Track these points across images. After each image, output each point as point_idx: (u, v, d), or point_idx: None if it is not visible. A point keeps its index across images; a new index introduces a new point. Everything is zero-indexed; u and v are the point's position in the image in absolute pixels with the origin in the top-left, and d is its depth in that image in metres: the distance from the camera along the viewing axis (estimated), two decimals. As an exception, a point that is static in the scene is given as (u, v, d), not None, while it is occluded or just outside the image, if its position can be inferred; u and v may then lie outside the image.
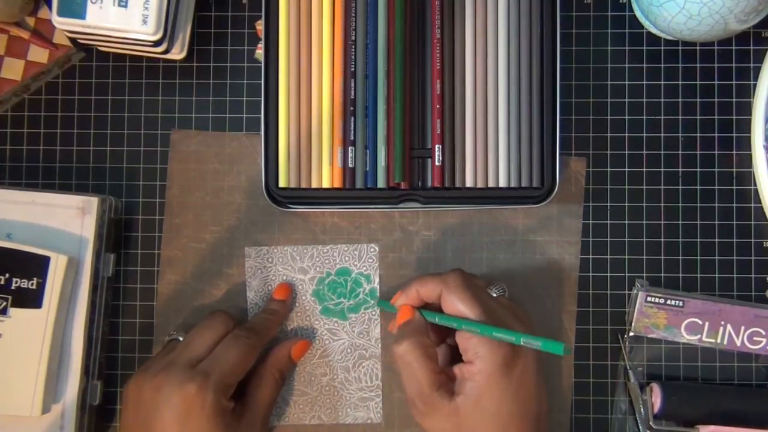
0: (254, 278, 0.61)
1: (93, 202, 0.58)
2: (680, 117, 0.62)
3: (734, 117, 0.62)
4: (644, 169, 0.62)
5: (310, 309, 0.61)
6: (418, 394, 0.52)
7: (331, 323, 0.61)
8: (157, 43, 0.57)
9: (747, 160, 0.61)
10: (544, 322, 0.61)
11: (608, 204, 0.62)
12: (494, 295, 0.56)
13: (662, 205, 0.62)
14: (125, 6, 0.56)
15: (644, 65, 0.62)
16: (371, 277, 0.61)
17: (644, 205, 0.62)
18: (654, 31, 0.61)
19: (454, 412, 0.51)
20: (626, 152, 0.62)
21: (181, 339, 0.57)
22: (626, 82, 0.62)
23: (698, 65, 0.62)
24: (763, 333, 0.60)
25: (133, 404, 0.53)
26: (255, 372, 0.58)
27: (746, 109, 0.62)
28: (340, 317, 0.61)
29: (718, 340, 0.60)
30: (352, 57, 0.59)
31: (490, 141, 0.59)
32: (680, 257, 0.61)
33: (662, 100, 0.62)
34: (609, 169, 0.62)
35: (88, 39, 0.59)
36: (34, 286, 0.55)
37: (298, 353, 0.60)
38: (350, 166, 0.58)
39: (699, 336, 0.60)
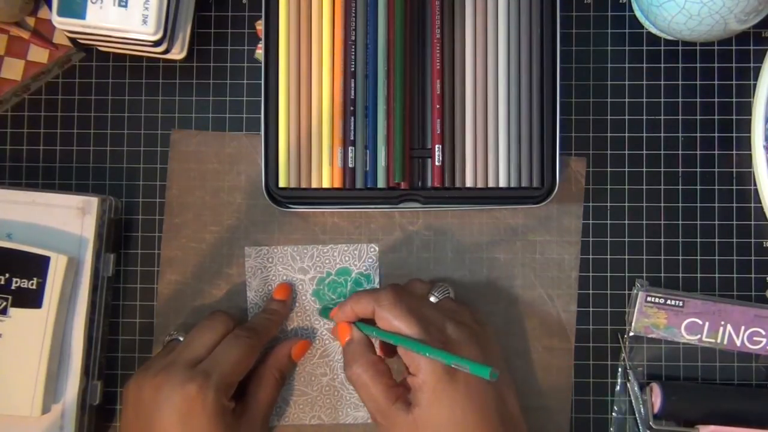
0: (254, 278, 0.61)
1: (93, 202, 0.58)
2: (680, 117, 0.62)
3: (734, 117, 0.62)
4: (644, 169, 0.62)
5: (310, 309, 0.61)
6: (377, 410, 0.53)
7: (331, 323, 0.61)
8: (157, 43, 0.57)
9: (747, 160, 0.61)
10: (544, 322, 0.61)
11: (608, 204, 0.62)
12: (435, 300, 0.56)
13: (662, 205, 0.62)
14: (125, 6, 0.56)
15: (644, 65, 0.62)
16: (371, 276, 0.61)
17: (644, 205, 0.62)
18: (654, 31, 0.61)
19: (412, 423, 0.51)
20: (626, 152, 0.62)
21: (181, 339, 0.57)
22: (626, 82, 0.62)
23: (698, 65, 0.62)
24: (763, 333, 0.60)
25: (133, 404, 0.53)
26: (255, 372, 0.58)
27: (746, 109, 0.62)
28: None
29: (718, 340, 0.60)
30: (352, 57, 0.59)
31: (490, 141, 0.59)
32: (680, 257, 0.61)
33: (662, 100, 0.62)
34: (609, 169, 0.62)
35: (88, 39, 0.59)
36: (34, 286, 0.55)
37: (298, 353, 0.60)
38: (350, 166, 0.58)
39: (699, 336, 0.60)
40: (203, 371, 0.53)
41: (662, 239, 0.61)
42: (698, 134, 0.62)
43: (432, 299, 0.57)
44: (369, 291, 0.56)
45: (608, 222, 0.62)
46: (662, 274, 0.61)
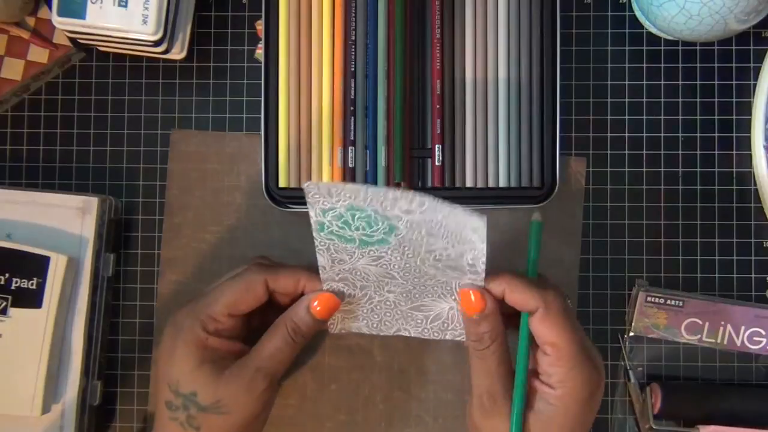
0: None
1: (93, 202, 0.58)
2: (680, 117, 0.62)
3: (734, 117, 0.62)
4: (644, 169, 0.62)
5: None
6: (488, 391, 0.50)
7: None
8: (157, 43, 0.57)
9: (747, 160, 0.61)
10: (544, 322, 0.61)
11: (608, 204, 0.62)
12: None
13: (662, 205, 0.62)
14: (125, 6, 0.56)
15: (644, 65, 0.62)
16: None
17: (644, 205, 0.62)
18: (654, 31, 0.61)
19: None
20: (626, 152, 0.62)
21: None
22: (626, 82, 0.62)
23: (698, 65, 0.62)
24: (763, 333, 0.60)
25: (157, 360, 0.54)
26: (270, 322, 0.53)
27: (746, 109, 0.62)
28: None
29: (718, 340, 0.60)
30: (352, 57, 0.59)
31: (490, 141, 0.59)
32: (680, 257, 0.61)
33: (662, 100, 0.62)
34: (609, 169, 0.62)
35: (88, 39, 0.59)
36: (34, 286, 0.55)
37: (322, 310, 0.51)
38: (350, 166, 0.58)
39: (699, 336, 0.60)
40: (194, 301, 0.52)
41: (662, 239, 0.61)
42: (698, 134, 0.62)
43: None
44: (531, 284, 0.49)
45: (608, 222, 0.62)
46: (662, 274, 0.61)
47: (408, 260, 0.49)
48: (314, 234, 0.49)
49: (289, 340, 0.51)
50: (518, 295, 0.49)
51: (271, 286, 0.52)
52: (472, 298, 0.50)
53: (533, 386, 0.50)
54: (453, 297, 0.52)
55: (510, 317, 0.51)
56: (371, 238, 0.48)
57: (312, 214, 0.48)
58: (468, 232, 0.46)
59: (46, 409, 0.56)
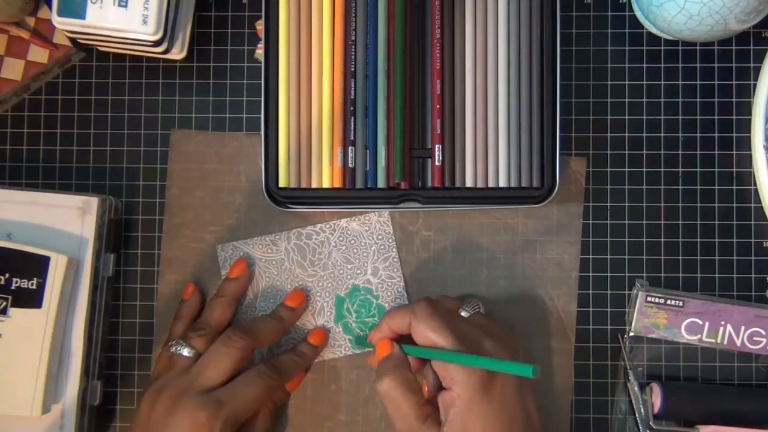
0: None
1: (93, 202, 0.58)
2: (680, 117, 0.62)
3: (734, 117, 0.62)
4: (644, 169, 0.62)
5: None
6: (406, 429, 0.52)
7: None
8: (157, 43, 0.57)
9: (747, 160, 0.61)
10: (544, 322, 0.61)
11: (608, 204, 0.62)
12: (466, 315, 0.56)
13: (662, 205, 0.62)
14: (125, 6, 0.56)
15: (644, 65, 0.62)
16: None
17: (644, 205, 0.62)
18: (654, 31, 0.61)
19: None
20: (626, 152, 0.62)
21: (185, 353, 0.56)
22: (626, 82, 0.62)
23: (698, 65, 0.62)
24: (763, 333, 0.60)
25: (144, 420, 0.53)
26: None
27: (746, 109, 0.62)
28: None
29: (718, 340, 0.60)
30: (352, 57, 0.59)
31: (490, 141, 0.59)
32: (680, 257, 0.61)
33: (662, 100, 0.62)
34: (609, 169, 0.62)
35: (88, 39, 0.59)
36: (34, 286, 0.55)
37: (292, 385, 0.60)
38: (350, 166, 0.58)
39: (699, 336, 0.60)
40: (216, 401, 0.53)
41: (662, 239, 0.61)
42: (698, 134, 0.62)
43: (463, 314, 0.56)
44: (402, 306, 0.56)
45: (608, 222, 0.62)
46: (662, 274, 0.61)
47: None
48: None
49: (273, 415, 0.59)
50: (395, 321, 0.55)
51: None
52: (378, 347, 0.56)
53: (441, 400, 0.52)
54: None
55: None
56: None
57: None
58: None
59: (46, 409, 0.56)
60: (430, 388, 0.54)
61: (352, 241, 0.61)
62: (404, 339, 0.55)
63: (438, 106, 0.58)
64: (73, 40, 0.60)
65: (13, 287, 0.55)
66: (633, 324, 0.60)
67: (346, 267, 0.61)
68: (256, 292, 0.61)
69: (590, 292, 0.61)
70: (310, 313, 0.61)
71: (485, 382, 0.50)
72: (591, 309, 0.61)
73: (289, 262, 0.61)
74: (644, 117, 0.62)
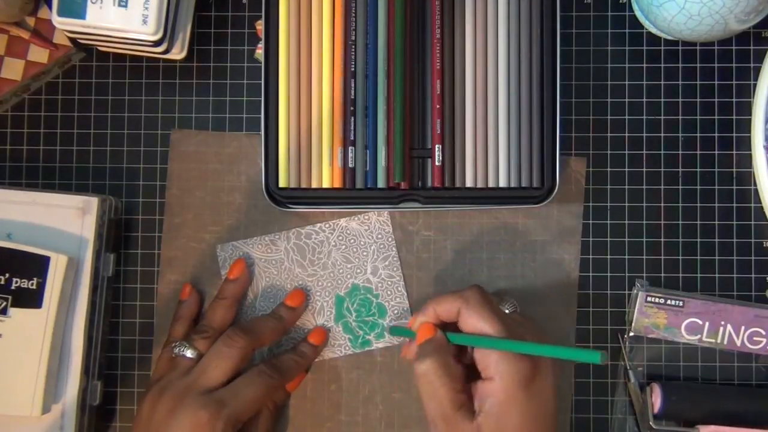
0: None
1: (93, 202, 0.58)
2: (680, 117, 0.62)
3: (734, 117, 0.62)
4: (644, 169, 0.62)
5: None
6: (440, 414, 0.51)
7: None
8: (157, 43, 0.57)
9: (747, 160, 0.61)
10: (544, 322, 0.61)
11: (608, 204, 0.62)
12: (507, 311, 0.56)
13: (662, 205, 0.62)
14: (125, 6, 0.56)
15: (644, 65, 0.62)
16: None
17: (644, 205, 0.62)
18: (654, 31, 0.61)
19: (475, 429, 0.50)
20: (626, 152, 0.62)
21: (188, 355, 0.56)
22: (626, 82, 0.62)
23: (698, 65, 0.62)
24: (763, 333, 0.60)
25: (145, 420, 0.54)
26: None
27: (746, 109, 0.62)
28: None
29: (718, 340, 0.60)
30: (352, 57, 0.59)
31: (490, 141, 0.59)
32: (680, 257, 0.61)
33: (662, 100, 0.62)
34: (609, 169, 0.62)
35: (88, 39, 0.59)
36: (34, 286, 0.55)
37: (293, 385, 0.60)
38: (350, 166, 0.58)
39: (699, 336, 0.60)
40: (218, 400, 0.53)
41: (662, 239, 0.61)
42: (698, 134, 0.62)
43: (505, 310, 0.56)
44: (452, 292, 0.54)
45: (608, 222, 0.62)
46: (662, 274, 0.61)
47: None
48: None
49: (273, 415, 0.59)
50: (444, 306, 0.54)
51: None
52: (420, 331, 0.55)
53: (478, 390, 0.51)
54: None
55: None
56: None
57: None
58: None
59: (46, 409, 0.56)
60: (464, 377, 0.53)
61: (352, 241, 0.61)
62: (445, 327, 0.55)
63: (438, 106, 0.58)
64: (73, 40, 0.60)
65: (13, 287, 0.55)
66: (633, 324, 0.60)
67: (345, 266, 0.61)
68: (256, 292, 0.61)
69: (590, 292, 0.61)
70: (310, 313, 0.61)
71: (527, 378, 0.50)
72: (591, 309, 0.61)
73: (289, 261, 0.61)
74: (644, 117, 0.62)
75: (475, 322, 0.52)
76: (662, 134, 0.62)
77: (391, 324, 0.61)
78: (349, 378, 0.61)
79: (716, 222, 0.61)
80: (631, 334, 0.60)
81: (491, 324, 0.51)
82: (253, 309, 0.61)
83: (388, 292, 0.61)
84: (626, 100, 0.62)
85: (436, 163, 0.58)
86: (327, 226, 0.61)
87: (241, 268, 0.60)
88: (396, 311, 0.61)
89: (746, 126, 0.61)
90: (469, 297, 0.53)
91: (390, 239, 0.61)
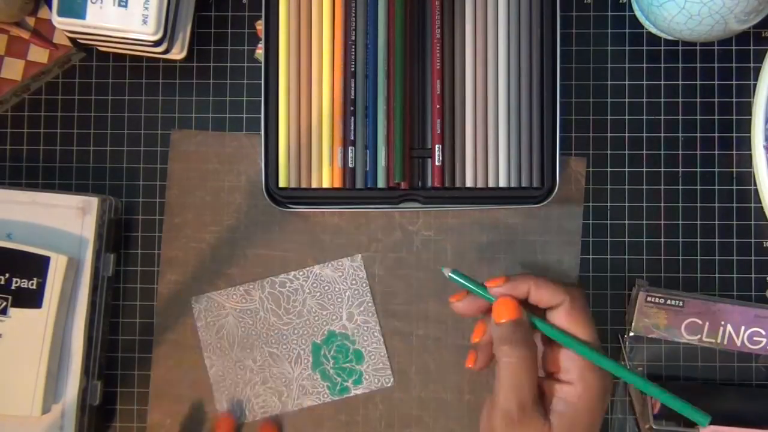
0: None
1: (93, 202, 0.58)
2: (680, 117, 0.62)
3: (734, 117, 0.62)
4: (644, 169, 0.62)
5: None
6: (518, 404, 0.49)
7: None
8: (157, 43, 0.57)
9: (747, 160, 0.61)
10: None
11: (608, 204, 0.62)
12: None
13: (662, 205, 0.62)
14: (125, 6, 0.56)
15: (644, 65, 0.62)
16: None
17: (644, 205, 0.62)
18: (654, 31, 0.61)
19: (547, 430, 0.50)
20: (626, 152, 0.62)
21: None
22: (626, 82, 0.62)
23: (698, 65, 0.62)
24: (763, 333, 0.60)
25: None
26: None
27: (746, 109, 0.62)
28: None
29: (718, 340, 0.60)
30: (352, 57, 0.59)
31: (490, 141, 0.59)
32: (680, 257, 0.61)
33: (662, 100, 0.62)
34: (609, 169, 0.62)
35: (88, 39, 0.59)
36: (34, 286, 0.55)
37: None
38: (350, 166, 0.58)
39: (699, 336, 0.60)
40: None
41: (662, 239, 0.61)
42: (698, 134, 0.62)
43: None
44: (557, 282, 0.51)
45: (608, 222, 0.62)
46: (662, 274, 0.61)
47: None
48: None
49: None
50: (544, 291, 0.51)
51: None
52: (506, 306, 0.51)
53: (551, 389, 0.51)
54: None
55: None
56: None
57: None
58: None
59: (46, 409, 0.56)
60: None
61: (326, 287, 0.61)
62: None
63: (438, 106, 0.58)
64: (73, 40, 0.60)
65: (13, 287, 0.55)
66: (633, 324, 0.60)
67: (321, 313, 0.61)
68: (232, 342, 0.61)
69: (590, 292, 0.61)
70: (287, 362, 0.61)
71: (605, 393, 0.50)
72: (591, 309, 0.61)
73: (264, 311, 0.61)
74: (644, 117, 0.62)
75: (575, 324, 0.50)
76: (662, 134, 0.62)
77: (451, 272, 0.53)
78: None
79: (716, 222, 0.61)
80: (631, 334, 0.60)
81: (587, 334, 0.50)
82: (230, 359, 0.61)
83: (365, 338, 0.61)
84: (626, 100, 0.62)
85: (436, 163, 0.58)
86: (301, 273, 0.61)
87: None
88: (373, 357, 0.61)
89: (746, 126, 0.61)
90: (576, 297, 0.51)
91: (364, 285, 0.61)
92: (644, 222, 0.62)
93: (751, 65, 0.62)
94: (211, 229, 0.62)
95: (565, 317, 0.51)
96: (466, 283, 0.52)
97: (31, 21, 0.60)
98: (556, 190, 0.58)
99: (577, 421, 0.50)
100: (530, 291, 0.51)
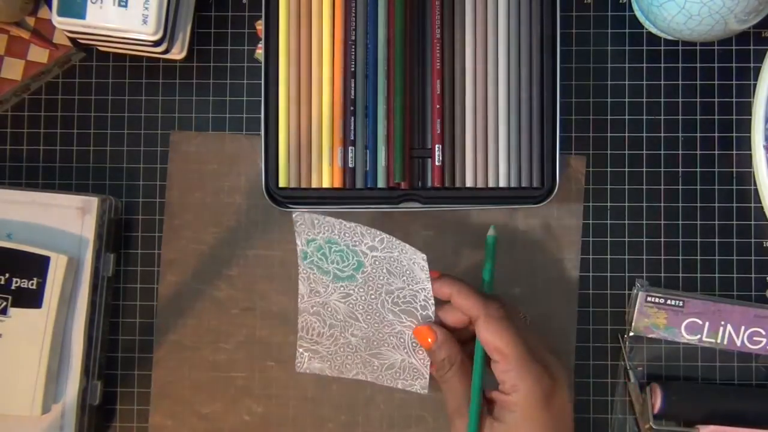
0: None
1: (93, 202, 0.58)
2: (680, 117, 0.62)
3: (734, 117, 0.62)
4: (644, 169, 0.62)
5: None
6: (457, 411, 0.52)
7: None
8: (157, 43, 0.57)
9: (747, 160, 0.61)
10: (545, 322, 0.61)
11: (608, 204, 0.62)
12: None
13: (662, 205, 0.62)
14: (125, 6, 0.56)
15: (644, 65, 0.62)
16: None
17: (644, 205, 0.62)
18: (654, 31, 0.62)
19: None
20: (626, 152, 0.62)
21: None
22: (626, 82, 0.62)
23: (698, 65, 0.62)
24: (763, 333, 0.60)
25: None
26: None
27: (746, 109, 0.62)
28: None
29: (718, 340, 0.60)
30: (352, 57, 0.59)
31: (490, 141, 0.59)
32: (680, 257, 0.61)
33: (662, 100, 0.62)
34: (609, 169, 0.62)
35: (88, 39, 0.59)
36: (34, 286, 0.55)
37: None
38: (350, 166, 0.58)
39: (699, 336, 0.60)
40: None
41: (662, 239, 0.61)
42: (698, 134, 0.62)
43: None
44: (477, 293, 0.52)
45: (608, 222, 0.62)
46: (662, 274, 0.61)
47: (371, 301, 0.54)
48: (299, 261, 0.54)
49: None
50: (463, 300, 0.52)
51: None
52: (424, 333, 0.53)
53: (496, 399, 0.51)
54: (405, 349, 0.55)
55: (467, 342, 0.54)
56: (342, 273, 0.54)
57: (298, 243, 0.53)
58: (417, 270, 0.51)
59: (46, 409, 0.56)
60: None
61: None
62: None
63: (438, 106, 0.58)
64: (73, 40, 0.60)
65: (13, 287, 0.55)
66: (633, 324, 0.60)
67: None
68: None
69: (590, 292, 0.61)
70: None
71: (547, 396, 0.50)
72: (591, 309, 0.61)
73: None
74: (644, 117, 0.62)
75: (493, 336, 0.51)
76: (662, 134, 0.62)
77: (492, 235, 0.55)
78: (350, 378, 0.61)
79: (716, 222, 0.61)
80: (631, 334, 0.60)
81: (509, 344, 0.50)
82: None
83: None
84: (626, 100, 0.62)
85: (436, 163, 0.58)
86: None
87: None
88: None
89: (746, 126, 0.61)
90: (492, 309, 0.51)
91: None
92: (644, 222, 0.62)
93: (751, 65, 0.62)
94: (211, 230, 0.62)
95: (482, 331, 0.51)
96: (489, 256, 0.54)
97: (31, 21, 0.60)
98: (556, 190, 0.58)
99: (521, 428, 0.50)
100: (452, 296, 0.53)
